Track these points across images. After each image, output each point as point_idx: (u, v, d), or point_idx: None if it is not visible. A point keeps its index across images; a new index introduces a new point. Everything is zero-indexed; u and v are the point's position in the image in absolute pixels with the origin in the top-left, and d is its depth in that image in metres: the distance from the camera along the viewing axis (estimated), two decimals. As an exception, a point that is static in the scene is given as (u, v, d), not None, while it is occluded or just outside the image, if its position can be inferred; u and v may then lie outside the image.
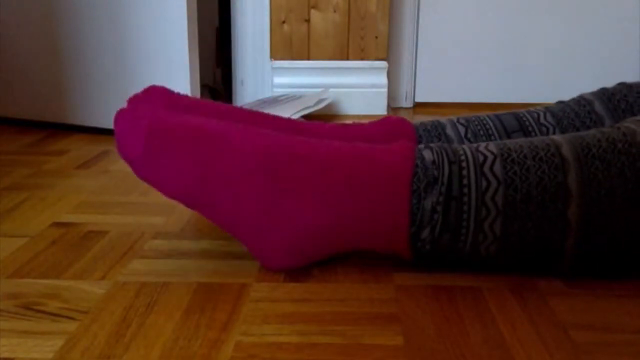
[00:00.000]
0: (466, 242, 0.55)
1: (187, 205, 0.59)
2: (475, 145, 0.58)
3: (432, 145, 0.58)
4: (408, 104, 1.57)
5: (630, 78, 1.51)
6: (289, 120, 0.70)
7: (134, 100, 0.63)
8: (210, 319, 0.50)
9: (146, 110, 0.57)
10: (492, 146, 0.57)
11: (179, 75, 1.09)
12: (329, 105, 1.35)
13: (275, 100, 1.27)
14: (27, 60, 1.18)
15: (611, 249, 0.55)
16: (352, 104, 1.40)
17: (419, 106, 1.57)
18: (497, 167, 0.55)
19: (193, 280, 0.57)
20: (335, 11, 1.38)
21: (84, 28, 1.12)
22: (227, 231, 0.59)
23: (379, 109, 1.41)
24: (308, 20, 1.38)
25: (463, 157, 0.56)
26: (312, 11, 1.38)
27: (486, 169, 0.55)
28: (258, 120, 0.68)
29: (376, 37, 1.39)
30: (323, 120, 1.29)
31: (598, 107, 0.70)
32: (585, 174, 0.54)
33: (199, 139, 0.56)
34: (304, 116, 1.22)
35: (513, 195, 0.54)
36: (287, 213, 0.56)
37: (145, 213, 0.74)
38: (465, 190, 0.55)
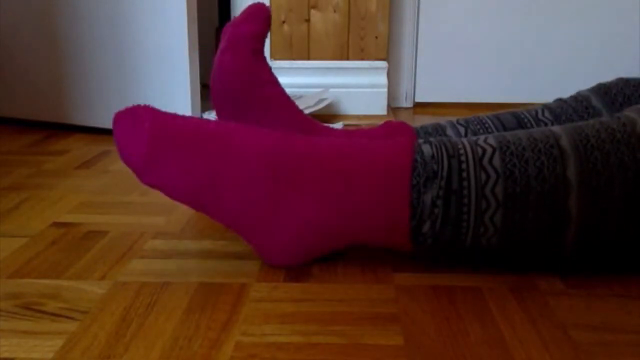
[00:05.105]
0: (467, 235, 0.55)
1: (192, 206, 0.59)
2: (474, 138, 0.58)
3: (431, 139, 0.58)
4: (408, 104, 1.57)
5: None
6: (295, 115, 0.70)
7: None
8: (210, 319, 0.50)
9: (146, 112, 0.57)
10: (491, 139, 0.57)
11: (179, 75, 1.09)
12: (329, 105, 1.35)
13: (275, 100, 1.26)
14: (27, 60, 1.18)
15: (611, 239, 0.55)
16: (352, 104, 1.40)
17: (419, 106, 1.57)
18: (496, 160, 0.55)
19: (193, 280, 0.57)
20: (335, 11, 1.38)
21: (83, 28, 1.12)
22: (230, 229, 0.59)
23: (379, 109, 1.41)
24: (308, 20, 1.38)
25: (462, 151, 0.56)
26: (312, 11, 1.38)
27: (485, 162, 0.55)
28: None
29: (376, 37, 1.39)
30: (323, 120, 1.29)
31: (595, 101, 0.71)
32: (585, 164, 0.54)
33: (201, 140, 0.56)
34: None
35: (512, 188, 0.54)
36: (290, 210, 0.56)
37: (145, 213, 0.74)
38: (465, 183, 0.55)
